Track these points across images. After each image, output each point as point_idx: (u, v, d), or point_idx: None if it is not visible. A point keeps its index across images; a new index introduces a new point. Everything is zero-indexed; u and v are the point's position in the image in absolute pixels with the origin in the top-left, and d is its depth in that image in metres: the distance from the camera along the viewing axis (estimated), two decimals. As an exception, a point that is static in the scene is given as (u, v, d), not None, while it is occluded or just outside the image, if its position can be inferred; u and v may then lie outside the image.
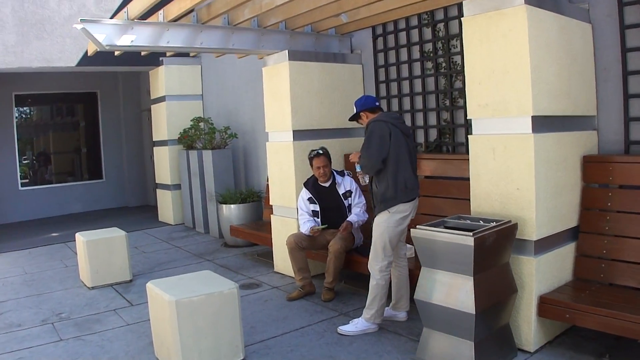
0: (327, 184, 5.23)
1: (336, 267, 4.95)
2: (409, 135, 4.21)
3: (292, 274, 5.75)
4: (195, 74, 9.70)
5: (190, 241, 8.20)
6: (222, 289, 3.65)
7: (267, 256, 6.81)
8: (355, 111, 4.32)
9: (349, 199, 5.18)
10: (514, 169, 3.72)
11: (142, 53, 6.49)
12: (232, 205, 7.59)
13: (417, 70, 5.64)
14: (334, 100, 5.99)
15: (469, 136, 4.02)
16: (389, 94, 5.98)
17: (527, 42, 3.58)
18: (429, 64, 5.50)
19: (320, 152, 5.16)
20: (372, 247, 4.19)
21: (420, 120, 5.67)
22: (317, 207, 5.22)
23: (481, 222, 3.65)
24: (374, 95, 5.89)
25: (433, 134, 5.54)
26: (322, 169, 5.13)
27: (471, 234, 3.31)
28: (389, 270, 4.20)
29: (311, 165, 5.19)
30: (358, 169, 4.34)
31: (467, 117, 4.04)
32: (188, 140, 8.96)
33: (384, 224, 4.09)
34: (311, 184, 5.27)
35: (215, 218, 8.32)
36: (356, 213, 5.13)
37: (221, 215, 7.81)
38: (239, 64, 8.31)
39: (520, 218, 3.70)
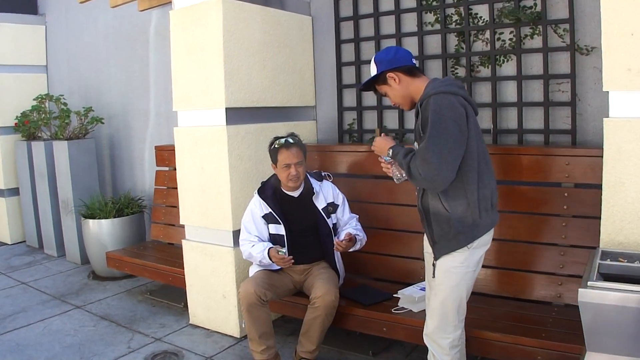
0: (296, 193, 3.31)
1: (324, 329, 3.06)
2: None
3: (219, 329, 3.83)
4: (37, 37, 7.05)
5: (41, 271, 5.66)
6: None
7: (164, 295, 4.68)
8: (375, 71, 2.45)
9: (333, 216, 3.30)
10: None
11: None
12: (104, 221, 5.30)
13: (409, 26, 3.90)
14: (279, 65, 4.04)
15: (604, 120, 2.39)
16: (359, 58, 4.16)
17: None
18: (430, 17, 3.79)
19: (291, 140, 3.23)
20: (437, 311, 2.38)
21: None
22: (281, 230, 3.25)
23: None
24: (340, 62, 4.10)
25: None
26: (294, 167, 3.19)
27: None
28: (461, 342, 2.43)
29: (275, 161, 3.24)
30: (387, 159, 2.49)
31: (603, 89, 2.39)
32: (30, 126, 6.42)
33: (461, 269, 2.31)
34: (270, 192, 3.29)
35: (75, 236, 5.92)
36: (353, 227, 3.33)
37: (86, 234, 5.45)
38: (103, 19, 6.03)
39: None
